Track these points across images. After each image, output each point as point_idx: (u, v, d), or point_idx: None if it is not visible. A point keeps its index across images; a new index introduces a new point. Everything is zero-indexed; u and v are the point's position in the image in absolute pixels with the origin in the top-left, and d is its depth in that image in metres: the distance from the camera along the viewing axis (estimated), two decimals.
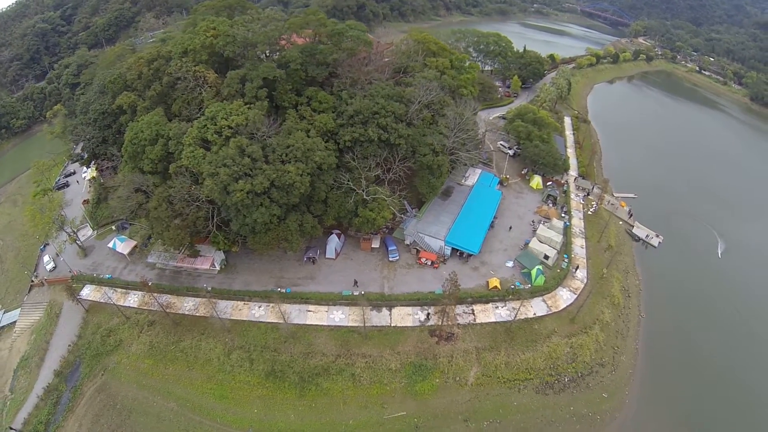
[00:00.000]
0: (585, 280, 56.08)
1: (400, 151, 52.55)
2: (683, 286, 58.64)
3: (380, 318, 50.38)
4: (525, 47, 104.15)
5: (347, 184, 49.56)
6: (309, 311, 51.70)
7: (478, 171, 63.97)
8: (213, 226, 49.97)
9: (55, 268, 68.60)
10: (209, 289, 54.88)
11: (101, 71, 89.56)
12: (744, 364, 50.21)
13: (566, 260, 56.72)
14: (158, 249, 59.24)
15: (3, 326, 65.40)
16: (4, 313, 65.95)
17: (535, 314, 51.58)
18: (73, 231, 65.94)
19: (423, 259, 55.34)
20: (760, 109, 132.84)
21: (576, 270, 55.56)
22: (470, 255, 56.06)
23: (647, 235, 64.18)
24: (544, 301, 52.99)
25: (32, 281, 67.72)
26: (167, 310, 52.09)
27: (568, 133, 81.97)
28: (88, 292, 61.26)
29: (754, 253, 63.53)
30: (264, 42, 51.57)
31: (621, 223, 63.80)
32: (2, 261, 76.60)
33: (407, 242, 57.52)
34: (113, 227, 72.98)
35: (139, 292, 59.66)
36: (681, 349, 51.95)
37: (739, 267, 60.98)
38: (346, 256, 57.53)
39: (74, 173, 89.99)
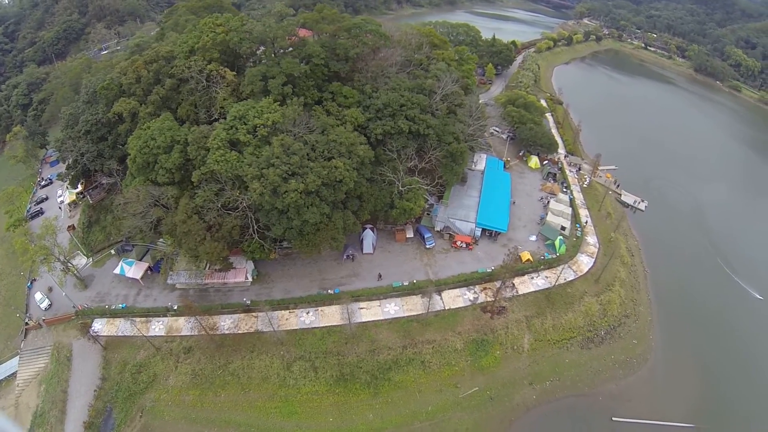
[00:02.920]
0: (597, 245, 60.49)
1: (429, 141, 47.65)
2: (674, 242, 66.19)
3: (433, 303, 49.80)
4: (494, 36, 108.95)
5: (389, 176, 44.46)
6: (361, 308, 49.84)
7: (484, 156, 68.03)
8: (255, 233, 46.02)
9: (50, 305, 55.33)
10: (248, 302, 47.97)
11: (62, 87, 74.20)
12: (729, 302, 58.52)
13: (579, 229, 61.12)
14: (180, 268, 48.60)
15: (0, 381, 53.88)
16: None
17: (566, 279, 54.19)
18: (66, 261, 56.84)
19: (458, 243, 56.23)
20: (704, 79, 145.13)
21: (587, 237, 60.73)
22: (498, 233, 57.97)
23: (635, 201, 70.95)
24: (569, 267, 56.08)
25: (26, 324, 53.38)
26: (211, 332, 46.84)
27: (548, 114, 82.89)
28: (99, 327, 52.44)
29: (720, 208, 73.74)
30: (283, 37, 44.00)
31: (610, 192, 66.81)
32: None
33: (437, 228, 58.05)
34: (112, 251, 60.32)
35: (164, 319, 49.63)
36: (682, 296, 58.34)
37: (715, 220, 70.46)
38: (382, 249, 56.45)
39: (47, 199, 73.73)
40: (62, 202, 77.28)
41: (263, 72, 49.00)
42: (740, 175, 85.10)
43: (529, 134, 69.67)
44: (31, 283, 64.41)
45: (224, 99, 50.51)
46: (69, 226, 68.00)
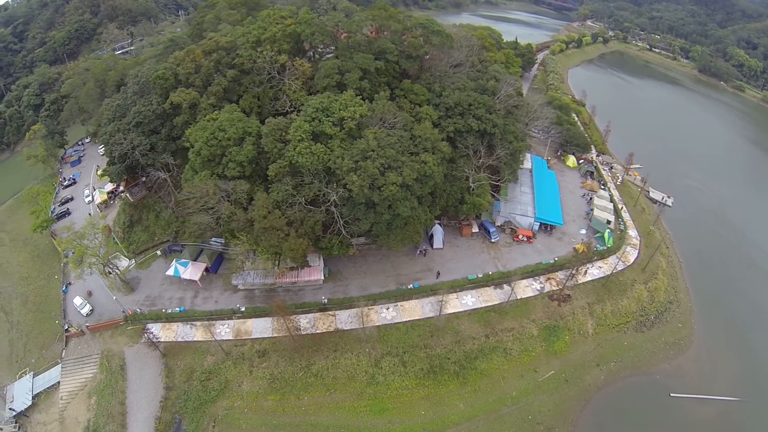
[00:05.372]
0: (638, 238, 62.81)
1: (495, 140, 45.18)
2: (701, 234, 69.18)
3: (505, 293, 50.61)
4: (516, 38, 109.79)
5: (465, 172, 42.80)
6: (440, 302, 48.69)
7: (528, 155, 63.97)
8: (342, 228, 43.56)
9: (92, 311, 46.28)
10: (325, 301, 41.97)
11: (85, 84, 72.95)
12: (757, 287, 60.76)
13: (621, 223, 63.41)
14: (247, 267, 49.44)
15: (39, 393, 48.68)
16: (34, 376, 42.21)
17: (616, 269, 55.92)
18: (107, 263, 52.01)
19: (520, 236, 57.12)
20: (708, 79, 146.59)
21: (629, 230, 62.82)
22: (553, 227, 59.41)
23: (662, 197, 74.38)
24: (617, 257, 57.91)
25: (67, 330, 44.61)
26: (297, 333, 43.47)
27: (574, 115, 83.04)
28: (155, 333, 47.26)
29: (739, 203, 77.54)
30: (356, 32, 39.72)
31: (639, 189, 70.90)
32: (7, 312, 51.88)
33: (498, 223, 59.00)
34: (158, 252, 52.52)
35: (229, 321, 43.28)
36: (714, 283, 61.24)
37: (735, 214, 74.28)
38: (450, 243, 56.73)
39: (72, 199, 64.30)
40: (90, 202, 67.27)
41: (338, 66, 44.01)
42: (755, 172, 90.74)
43: (566, 134, 70.43)
44: (66, 287, 55.30)
45: (295, 92, 44.84)
46: (104, 227, 58.62)
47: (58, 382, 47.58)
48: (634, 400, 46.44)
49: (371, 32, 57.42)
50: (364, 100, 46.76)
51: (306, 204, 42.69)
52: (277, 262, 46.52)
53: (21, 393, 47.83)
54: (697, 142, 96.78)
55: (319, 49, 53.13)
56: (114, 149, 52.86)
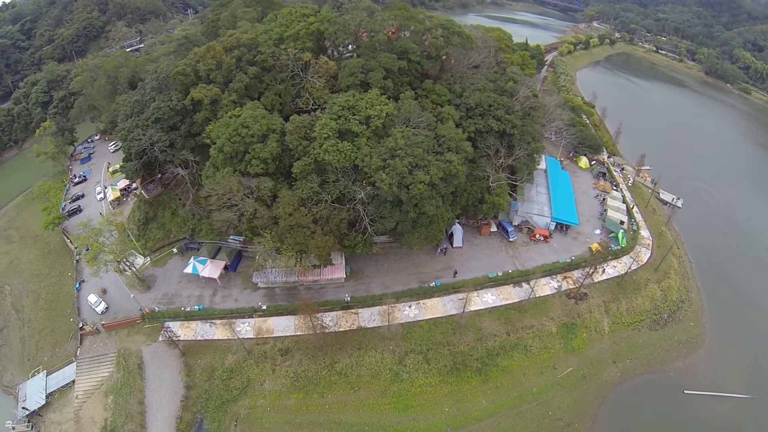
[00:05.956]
0: (650, 238, 63.69)
1: (513, 140, 45.31)
2: (710, 235, 70.18)
3: (524, 292, 51.27)
4: (527, 40, 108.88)
5: (487, 172, 44.71)
6: (460, 300, 49.44)
7: (542, 156, 62.07)
8: (369, 226, 43.67)
9: (107, 309, 45.14)
10: (348, 299, 41.22)
11: (97, 80, 72.03)
12: (765, 284, 61.93)
13: (634, 223, 64.33)
14: (269, 265, 44.32)
15: (53, 392, 47.24)
16: (47, 375, 40.79)
17: (630, 268, 56.48)
18: (121, 260, 50.73)
19: (537, 236, 57.80)
20: (714, 81, 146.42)
21: (641, 231, 63.77)
22: (568, 227, 60.15)
23: (672, 199, 75.29)
24: (631, 257, 58.74)
25: (81, 329, 43.43)
26: (322, 331, 43.13)
27: (584, 116, 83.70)
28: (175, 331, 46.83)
29: (747, 206, 78.24)
30: (380, 31, 39.63)
31: (650, 191, 70.93)
32: (18, 310, 50.47)
33: (515, 223, 59.56)
34: (174, 250, 51.45)
35: (249, 320, 42.63)
36: (724, 283, 62.10)
37: (743, 216, 75.09)
38: (469, 242, 57.27)
39: (83, 196, 63.03)
40: (102, 199, 65.85)
41: (362, 64, 43.66)
42: (762, 174, 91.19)
43: (579, 136, 70.23)
44: (80, 284, 53.72)
45: (318, 89, 44.37)
46: (119, 224, 57.30)
47: (73, 381, 46.44)
48: (649, 397, 47.58)
49: (389, 32, 57.50)
50: (388, 99, 46.63)
51: (331, 202, 42.62)
52: (299, 260, 45.89)
53: (34, 392, 46.69)
54: (704, 145, 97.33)
55: (340, 48, 52.89)
56: (132, 145, 51.78)
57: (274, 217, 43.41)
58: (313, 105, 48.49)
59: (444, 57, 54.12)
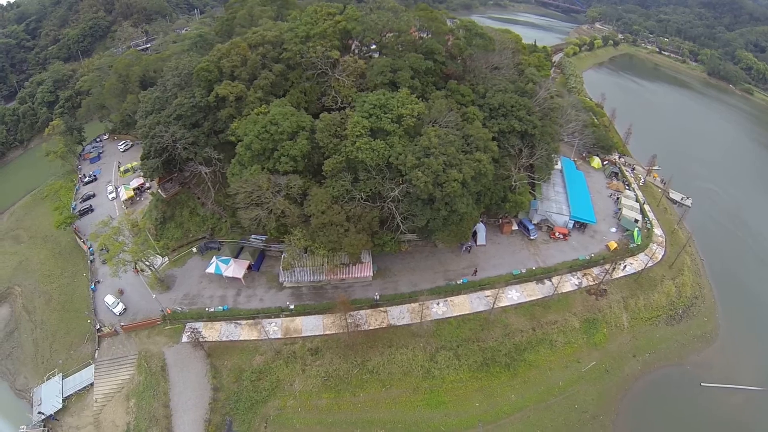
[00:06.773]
0: (663, 236, 65.06)
1: (534, 140, 45.90)
2: (719, 234, 71.55)
3: (548, 289, 52.19)
4: (535, 41, 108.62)
5: (511, 171, 50.47)
6: (487, 296, 50.20)
7: (558, 156, 62.42)
8: (402, 223, 43.61)
9: (125, 310, 43.59)
10: (377, 297, 40.80)
11: (107, 79, 71.51)
12: None
13: (648, 222, 65.72)
14: (297, 264, 46.60)
15: (69, 395, 46.17)
16: (63, 378, 39.14)
17: (646, 265, 57.92)
18: (139, 260, 49.81)
19: (557, 234, 58.76)
20: (717, 82, 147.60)
21: (654, 229, 65.02)
22: (585, 225, 61.03)
23: (682, 198, 76.72)
24: (646, 255, 60.15)
25: (99, 330, 41.91)
26: (355, 330, 42.88)
27: (594, 117, 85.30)
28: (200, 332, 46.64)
29: (754, 205, 79.26)
30: (406, 31, 39.79)
31: (660, 190, 76.76)
32: (30, 311, 48.39)
33: (535, 221, 60.36)
34: (193, 249, 50.25)
35: (276, 320, 41.82)
36: (735, 279, 63.23)
37: (750, 215, 76.63)
38: (491, 240, 57.92)
39: (94, 195, 61.29)
40: (114, 198, 64.02)
41: (390, 64, 43.52)
42: (766, 174, 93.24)
43: (593, 137, 71.33)
44: (95, 285, 51.73)
45: (346, 88, 43.96)
46: (137, 223, 55.68)
47: (91, 384, 44.48)
48: (669, 389, 48.82)
49: (411, 32, 57.44)
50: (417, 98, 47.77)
51: (363, 200, 42.83)
52: (327, 258, 44.96)
53: (50, 395, 44.89)
54: (709, 145, 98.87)
55: (364, 48, 52.71)
56: (153, 142, 50.93)
57: (304, 215, 43.01)
58: (340, 103, 48.69)
59: (468, 57, 54.60)
